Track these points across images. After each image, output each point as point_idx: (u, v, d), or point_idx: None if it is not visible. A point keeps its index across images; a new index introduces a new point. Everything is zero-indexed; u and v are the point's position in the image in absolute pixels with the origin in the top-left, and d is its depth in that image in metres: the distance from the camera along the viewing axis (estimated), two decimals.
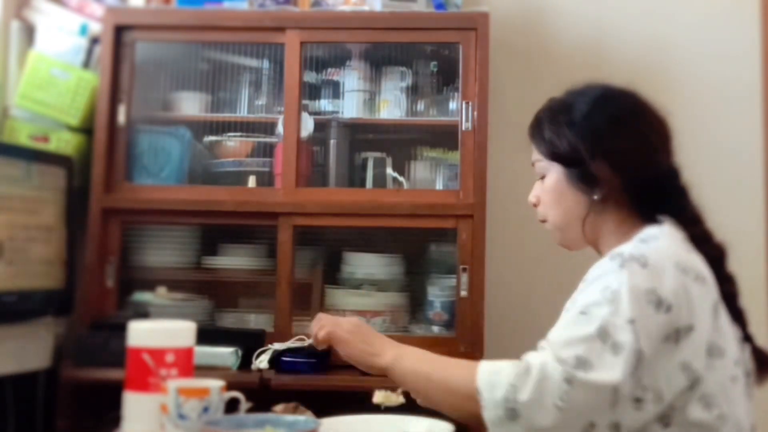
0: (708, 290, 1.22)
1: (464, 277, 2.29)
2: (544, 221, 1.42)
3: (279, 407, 1.47)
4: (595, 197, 1.32)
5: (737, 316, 1.28)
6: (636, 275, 1.16)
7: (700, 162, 2.77)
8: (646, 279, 1.16)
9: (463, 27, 2.39)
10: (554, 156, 1.36)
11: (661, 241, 1.24)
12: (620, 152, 1.31)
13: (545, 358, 1.15)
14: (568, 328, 1.17)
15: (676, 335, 1.16)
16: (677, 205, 1.32)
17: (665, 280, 1.17)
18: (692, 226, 1.30)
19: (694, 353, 1.16)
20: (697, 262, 1.24)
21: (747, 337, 1.29)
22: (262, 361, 2.17)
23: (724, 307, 1.25)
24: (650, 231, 1.27)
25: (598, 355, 1.12)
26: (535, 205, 1.43)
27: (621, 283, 1.16)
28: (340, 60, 2.57)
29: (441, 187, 2.50)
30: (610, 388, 1.11)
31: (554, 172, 1.37)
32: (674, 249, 1.23)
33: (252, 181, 2.48)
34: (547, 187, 1.39)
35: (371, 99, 2.54)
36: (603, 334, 1.13)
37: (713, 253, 1.29)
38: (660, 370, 1.15)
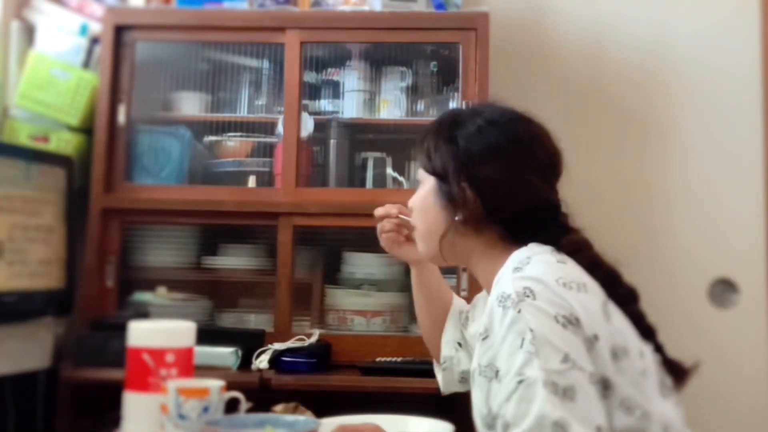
0: (593, 295, 1.20)
1: (464, 277, 2.29)
2: (414, 228, 1.44)
3: (279, 407, 1.47)
4: (456, 218, 1.32)
5: (647, 332, 1.26)
6: (535, 312, 1.14)
7: (700, 162, 2.79)
8: (545, 308, 1.14)
9: (463, 27, 2.39)
10: (426, 168, 1.38)
11: (533, 262, 1.22)
12: (486, 181, 1.30)
13: None
14: (523, 405, 1.11)
15: (589, 346, 1.15)
16: (551, 237, 1.29)
17: (558, 300, 1.15)
18: (576, 255, 1.26)
19: (603, 361, 1.15)
20: (573, 271, 1.22)
21: (658, 348, 1.27)
22: (262, 361, 2.18)
23: (614, 307, 1.22)
24: (518, 255, 1.25)
25: (566, 407, 1.09)
26: (411, 210, 1.45)
27: (530, 329, 1.13)
28: (340, 60, 2.57)
29: None
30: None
31: (427, 184, 1.39)
32: (548, 267, 1.21)
33: (252, 181, 2.49)
34: (418, 196, 1.41)
35: (371, 99, 2.54)
36: (553, 389, 1.10)
37: (606, 278, 1.26)
38: None
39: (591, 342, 1.15)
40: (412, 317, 2.44)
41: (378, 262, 2.44)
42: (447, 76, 2.53)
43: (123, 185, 2.42)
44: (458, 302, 1.65)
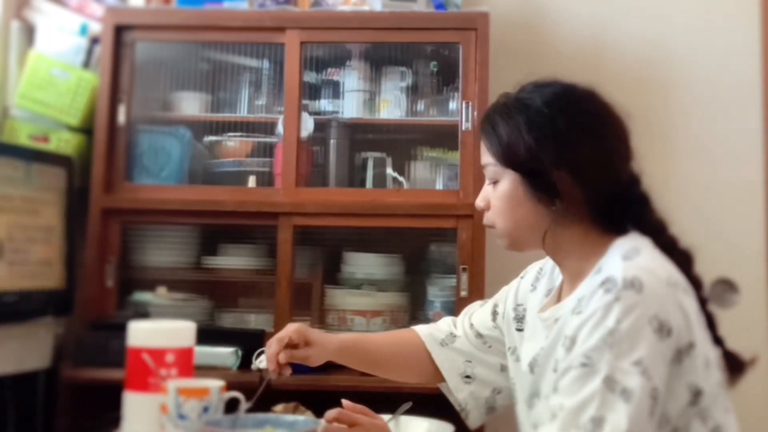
0: (693, 300, 1.18)
1: (464, 277, 2.29)
2: (491, 227, 1.34)
3: (279, 407, 1.47)
4: (554, 208, 1.24)
5: (708, 320, 1.23)
6: (633, 306, 1.10)
7: (700, 162, 2.78)
8: (645, 306, 1.10)
9: (463, 27, 2.39)
10: (510, 162, 1.26)
11: (644, 254, 1.18)
12: (583, 163, 1.22)
13: None
14: (575, 386, 1.10)
15: (678, 356, 1.12)
16: (639, 214, 1.26)
17: (663, 301, 1.12)
18: (657, 235, 1.24)
19: (696, 370, 1.13)
20: (678, 272, 1.20)
21: (717, 340, 1.24)
22: (262, 361, 2.17)
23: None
24: (626, 244, 1.21)
25: (611, 406, 1.07)
26: (484, 210, 1.35)
27: (618, 320, 1.09)
28: (340, 60, 2.57)
29: (441, 187, 2.50)
30: None
31: (509, 179, 1.27)
32: (659, 262, 1.18)
33: (252, 181, 2.48)
34: (501, 194, 1.29)
35: (371, 99, 2.54)
36: (611, 383, 1.08)
37: (681, 260, 1.24)
38: (669, 394, 1.12)
39: (683, 352, 1.12)
40: (412, 317, 2.45)
41: (378, 262, 2.44)
42: (447, 76, 2.53)
43: (123, 185, 2.42)
44: (427, 331, 1.54)
